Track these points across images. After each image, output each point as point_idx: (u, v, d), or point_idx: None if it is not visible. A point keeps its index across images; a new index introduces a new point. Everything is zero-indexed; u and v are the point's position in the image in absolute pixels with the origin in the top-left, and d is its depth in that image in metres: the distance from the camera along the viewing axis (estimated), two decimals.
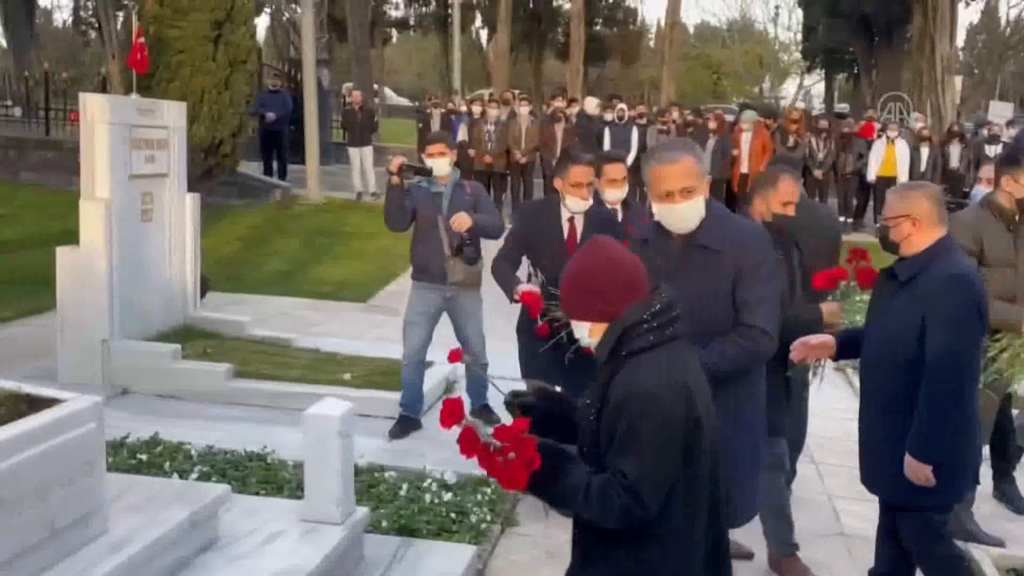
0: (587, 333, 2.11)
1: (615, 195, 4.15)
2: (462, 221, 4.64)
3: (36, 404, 2.52)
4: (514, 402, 2.23)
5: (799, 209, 4.31)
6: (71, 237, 5.73)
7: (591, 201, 3.99)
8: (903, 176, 11.96)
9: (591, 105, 13.51)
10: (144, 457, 4.30)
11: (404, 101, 33.09)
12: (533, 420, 2.14)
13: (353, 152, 13.64)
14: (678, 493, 2.03)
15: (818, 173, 12.30)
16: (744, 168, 12.09)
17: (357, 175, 13.57)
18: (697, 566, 2.10)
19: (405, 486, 4.14)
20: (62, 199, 10.16)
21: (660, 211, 2.74)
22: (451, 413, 1.96)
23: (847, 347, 3.22)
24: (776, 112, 16.10)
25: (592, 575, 2.13)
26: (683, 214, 2.70)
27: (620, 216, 4.17)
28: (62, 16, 42.36)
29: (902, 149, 12.16)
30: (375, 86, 26.64)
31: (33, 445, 2.32)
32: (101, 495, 2.70)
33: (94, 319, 5.52)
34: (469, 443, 1.95)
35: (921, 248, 2.94)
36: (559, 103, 13.34)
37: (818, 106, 32.97)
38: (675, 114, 13.22)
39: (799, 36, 34.10)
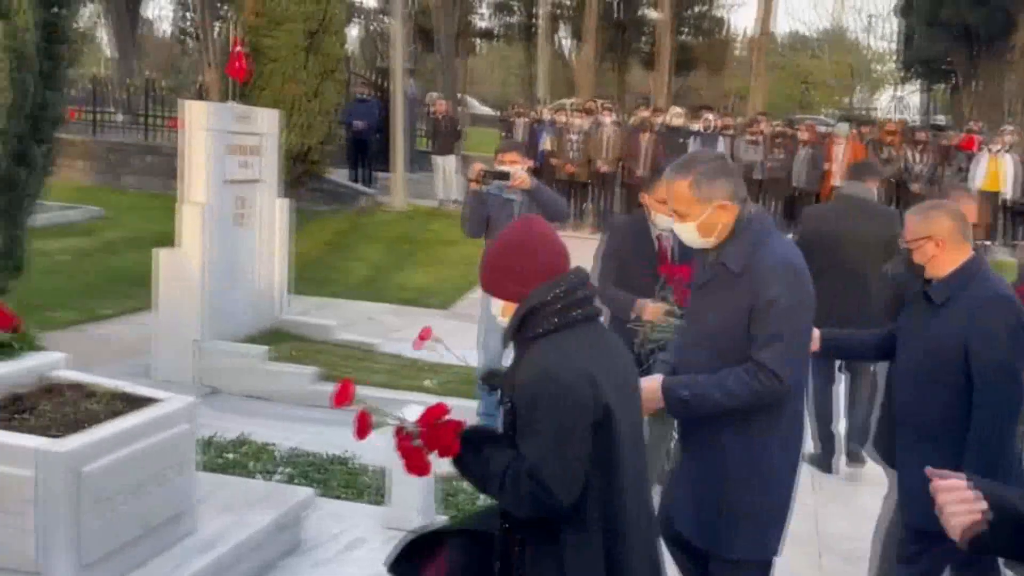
0: (500, 312, 2.11)
1: None
2: (521, 178, 4.61)
3: (134, 403, 2.58)
4: (485, 380, 2.29)
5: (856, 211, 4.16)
6: (169, 239, 5.92)
7: None
8: (1010, 191, 11.40)
9: (675, 115, 13.33)
10: (231, 456, 4.38)
11: (488, 111, 33.33)
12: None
13: (437, 160, 13.79)
14: (593, 489, 1.97)
15: (916, 187, 11.83)
16: (836, 181, 11.71)
17: (440, 183, 13.70)
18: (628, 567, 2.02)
19: (483, 496, 4.09)
20: (161, 202, 10.54)
21: None
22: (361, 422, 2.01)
23: (832, 345, 3.11)
24: (872, 124, 15.56)
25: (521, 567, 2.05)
26: (679, 232, 2.67)
27: None
28: (163, 27, 44.39)
29: (1011, 163, 11.57)
30: (460, 95, 26.91)
31: (130, 443, 2.36)
32: (192, 494, 2.75)
33: (188, 319, 5.68)
34: (363, 426, 2.00)
35: (949, 269, 2.84)
36: (644, 113, 13.20)
37: (913, 117, 31.79)
38: (763, 124, 12.93)
39: (894, 46, 33.01)
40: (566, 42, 35.29)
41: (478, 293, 5.21)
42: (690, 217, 2.57)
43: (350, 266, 10.34)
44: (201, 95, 17.00)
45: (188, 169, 5.76)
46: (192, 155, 5.75)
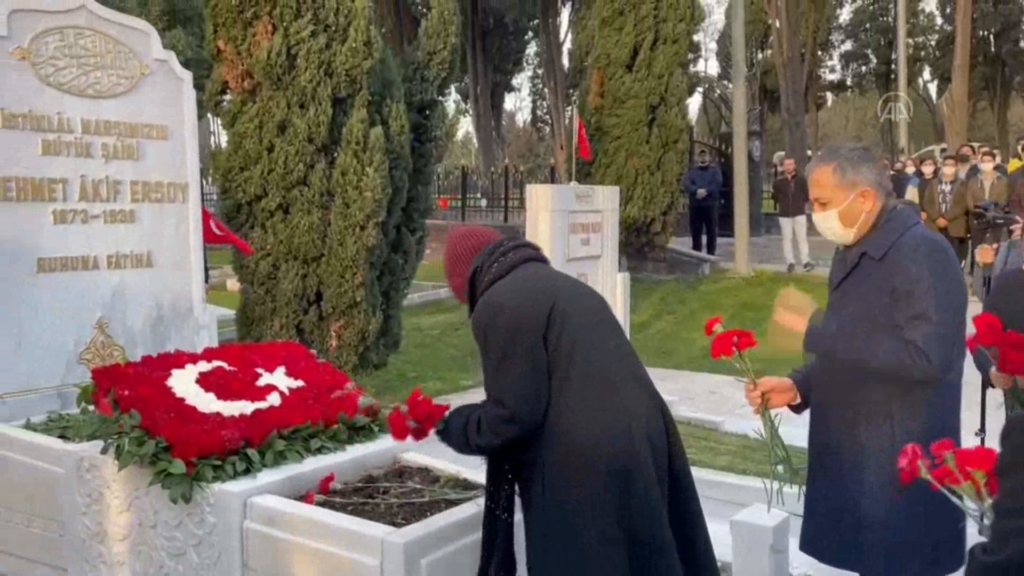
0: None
1: None
2: None
3: (469, 489, 2.61)
4: None
5: None
6: None
7: None
8: None
9: None
10: None
11: None
12: None
13: (785, 222, 13.17)
14: (568, 389, 2.08)
15: None
16: None
17: (788, 246, 13.04)
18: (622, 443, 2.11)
19: None
20: None
21: None
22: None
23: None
24: None
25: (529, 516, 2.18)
26: (818, 224, 2.54)
27: None
28: (524, 115, 48.80)
29: None
30: (808, 152, 25.71)
31: (465, 535, 2.37)
32: None
33: None
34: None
35: None
36: None
37: None
38: None
39: None
40: (931, 85, 32.23)
41: None
42: (832, 204, 2.46)
43: (692, 336, 10.10)
44: (553, 176, 18.19)
45: None
46: (537, 236, 6.01)
